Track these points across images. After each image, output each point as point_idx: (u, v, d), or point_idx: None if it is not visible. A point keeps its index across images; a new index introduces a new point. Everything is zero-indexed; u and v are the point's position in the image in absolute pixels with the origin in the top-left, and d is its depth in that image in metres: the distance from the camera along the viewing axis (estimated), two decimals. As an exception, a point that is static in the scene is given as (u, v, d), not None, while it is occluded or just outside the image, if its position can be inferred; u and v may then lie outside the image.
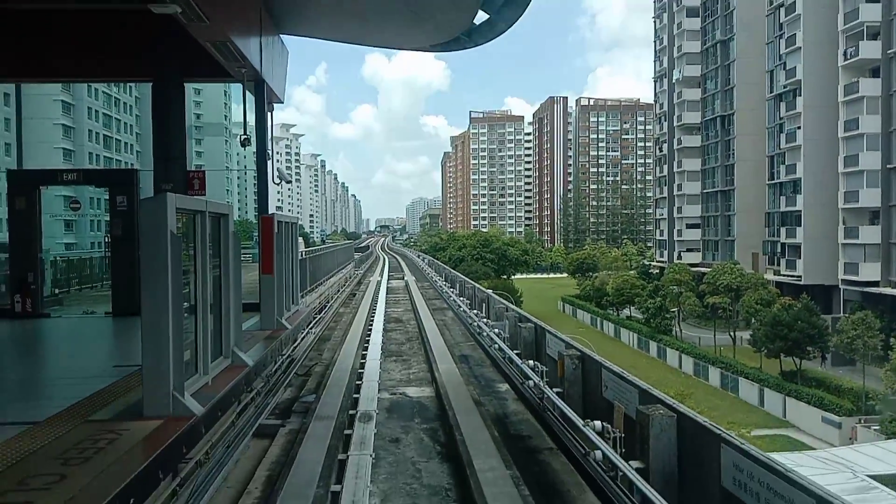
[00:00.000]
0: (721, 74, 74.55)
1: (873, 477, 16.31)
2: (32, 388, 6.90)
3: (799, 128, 59.04)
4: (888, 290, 49.37)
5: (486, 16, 11.45)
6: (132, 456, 4.45)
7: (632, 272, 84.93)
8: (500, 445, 7.75)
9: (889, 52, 50.01)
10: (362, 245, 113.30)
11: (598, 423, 7.29)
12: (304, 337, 14.47)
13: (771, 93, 64.99)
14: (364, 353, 14.10)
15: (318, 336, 16.48)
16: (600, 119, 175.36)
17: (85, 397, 5.92)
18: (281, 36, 13.42)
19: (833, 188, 54.65)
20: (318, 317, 18.56)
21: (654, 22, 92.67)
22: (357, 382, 11.08)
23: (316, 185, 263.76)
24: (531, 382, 9.85)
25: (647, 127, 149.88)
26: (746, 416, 41.99)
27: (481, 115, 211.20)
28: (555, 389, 9.24)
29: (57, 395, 6.26)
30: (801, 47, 58.47)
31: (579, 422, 7.52)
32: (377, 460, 7.49)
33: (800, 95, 59.02)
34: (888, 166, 50.07)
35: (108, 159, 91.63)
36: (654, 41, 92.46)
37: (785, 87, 61.25)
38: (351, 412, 9.10)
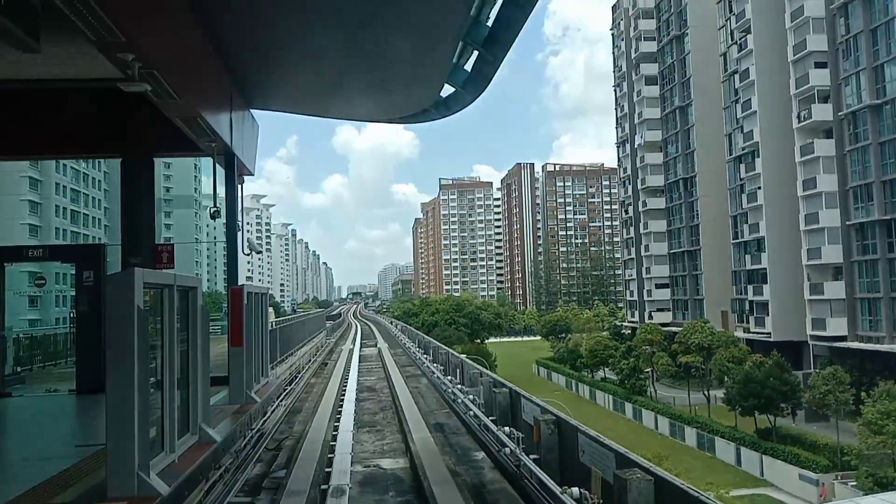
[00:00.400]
0: (681, 139, 76.86)
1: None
2: (-9, 472, 6.66)
3: (759, 188, 60.77)
4: (856, 345, 50.05)
5: (453, 89, 11.78)
6: (95, 541, 4.30)
7: (604, 333, 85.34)
8: (477, 516, 7.60)
9: (840, 114, 52.18)
10: (334, 313, 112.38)
11: (575, 490, 7.20)
12: (274, 409, 14.19)
13: (731, 155, 67.00)
14: (336, 424, 13.83)
15: (288, 408, 16.16)
16: (567, 184, 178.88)
17: (46, 479, 5.73)
18: (252, 111, 13.63)
19: (796, 245, 55.91)
20: (289, 388, 18.25)
21: (615, 90, 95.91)
22: (329, 455, 10.82)
23: (287, 255, 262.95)
24: (507, 449, 9.73)
25: (613, 190, 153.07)
26: (724, 476, 41.66)
27: (451, 182, 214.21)
28: (531, 456, 9.13)
29: (17, 477, 6.04)
30: (756, 111, 60.75)
31: (557, 489, 7.42)
32: (351, 536, 7.28)
33: (758, 157, 60.98)
34: (847, 223, 51.53)
35: (75, 234, 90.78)
36: (616, 108, 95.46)
37: (744, 149, 63.29)
38: (323, 486, 8.87)
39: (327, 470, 9.87)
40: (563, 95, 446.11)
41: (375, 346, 40.87)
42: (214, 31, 9.21)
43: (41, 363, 19.53)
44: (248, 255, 13.95)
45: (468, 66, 10.93)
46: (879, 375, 43.98)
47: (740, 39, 63.72)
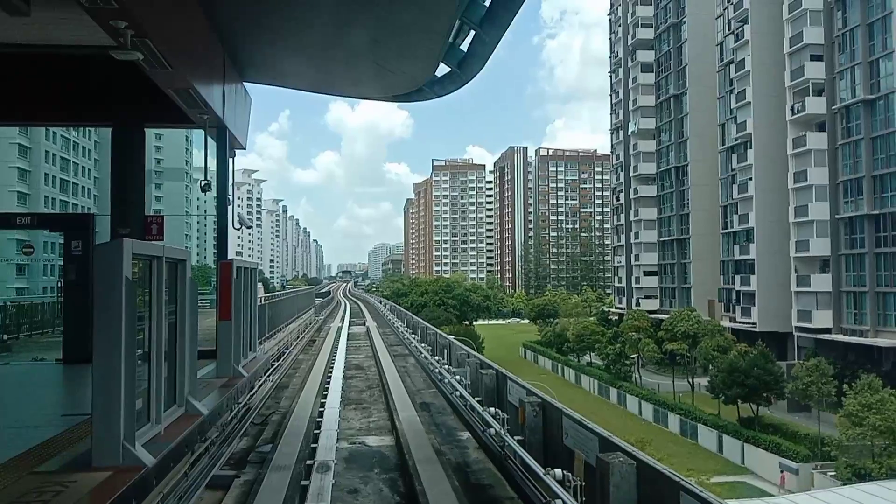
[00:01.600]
0: (675, 127, 76.92)
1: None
2: (-25, 438, 6.64)
3: (751, 179, 61.00)
4: (840, 338, 50.59)
5: (448, 69, 11.70)
6: (79, 509, 4.30)
7: (592, 318, 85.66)
8: (461, 495, 7.66)
9: (833, 107, 52.34)
10: (323, 290, 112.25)
11: (558, 472, 7.25)
12: (261, 384, 14.20)
13: (723, 145, 67.16)
14: (323, 400, 13.87)
15: (275, 384, 16.19)
16: (559, 169, 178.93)
17: (31, 447, 5.72)
18: (244, 83, 13.49)
19: (785, 237, 56.29)
20: (277, 364, 18.26)
21: (610, 76, 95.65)
22: (315, 431, 10.86)
23: (277, 231, 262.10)
24: (492, 430, 9.80)
25: (605, 177, 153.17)
26: (706, 463, 42.18)
27: (444, 163, 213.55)
28: (516, 437, 9.19)
29: (2, 445, 6.03)
30: (750, 102, 60.84)
31: (540, 470, 7.48)
32: (335, 512, 7.32)
33: (751, 148, 61.15)
34: (836, 217, 51.86)
35: (64, 203, 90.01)
36: (611, 95, 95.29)
37: (736, 139, 63.42)
38: (308, 462, 8.91)
39: (313, 446, 9.92)
40: (559, 79, 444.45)
41: (364, 324, 40.91)
42: (208, 0, 9.10)
43: (28, 332, 19.45)
44: (238, 229, 13.87)
45: (464, 46, 10.85)
46: (862, 368, 44.57)
47: (737, 29, 63.59)
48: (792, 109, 56.08)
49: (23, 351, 14.33)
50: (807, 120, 55.41)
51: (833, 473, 36.68)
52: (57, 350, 12.10)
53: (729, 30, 65.92)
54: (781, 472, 39.41)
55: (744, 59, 62.09)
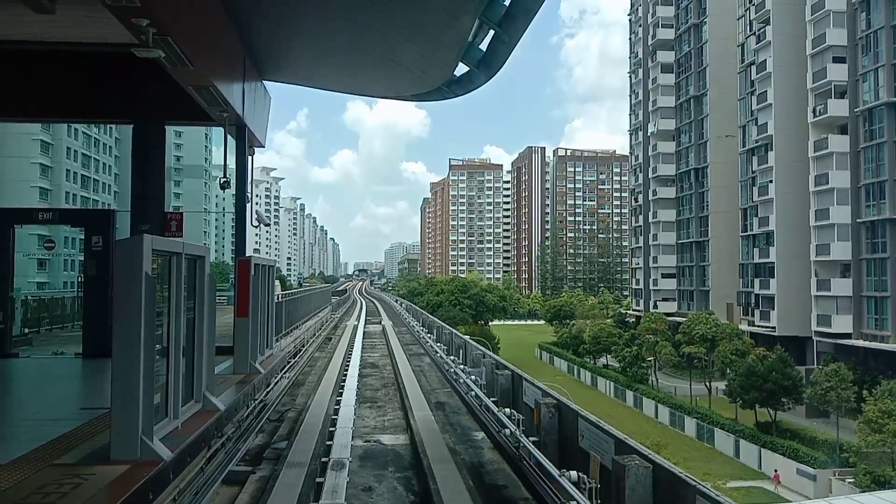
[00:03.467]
0: (695, 128, 76.30)
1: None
2: (-4, 430, 6.72)
3: (771, 181, 60.37)
4: (860, 343, 49.94)
5: (467, 68, 11.69)
6: (96, 502, 4.34)
7: (608, 320, 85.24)
8: (476, 495, 7.64)
9: (856, 110, 51.65)
10: (340, 289, 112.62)
11: (573, 474, 7.23)
12: (277, 381, 14.28)
13: (743, 147, 66.53)
14: (339, 398, 13.92)
15: (292, 381, 16.27)
16: (577, 169, 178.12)
17: (50, 440, 5.79)
18: (264, 82, 13.57)
19: (805, 241, 55.65)
20: (293, 361, 18.35)
21: (630, 77, 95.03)
22: (330, 429, 10.91)
23: (294, 229, 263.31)
24: (507, 431, 9.78)
25: (623, 178, 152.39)
26: (722, 468, 41.80)
27: (461, 163, 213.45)
28: (531, 438, 9.17)
29: (21, 437, 6.10)
30: (772, 104, 60.17)
31: (555, 472, 7.46)
32: (349, 509, 7.34)
33: (771, 150, 60.49)
34: (858, 220, 51.21)
35: (85, 199, 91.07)
36: (630, 95, 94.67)
37: (757, 141, 62.77)
38: (323, 459, 8.94)
39: (328, 443, 9.95)
40: (577, 79, 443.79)
41: (380, 323, 41.02)
42: (230, -1, 9.16)
43: (48, 326, 19.68)
44: (256, 227, 13.96)
45: (483, 46, 10.84)
46: (882, 374, 43.95)
47: (759, 31, 62.93)
48: (814, 112, 55.40)
49: (43, 345, 14.50)
50: (829, 122, 54.71)
51: (851, 480, 36.23)
52: (77, 344, 12.23)
53: (750, 31, 65.29)
54: (775, 470, 39.93)
55: (765, 60, 61.41)
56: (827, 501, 24.40)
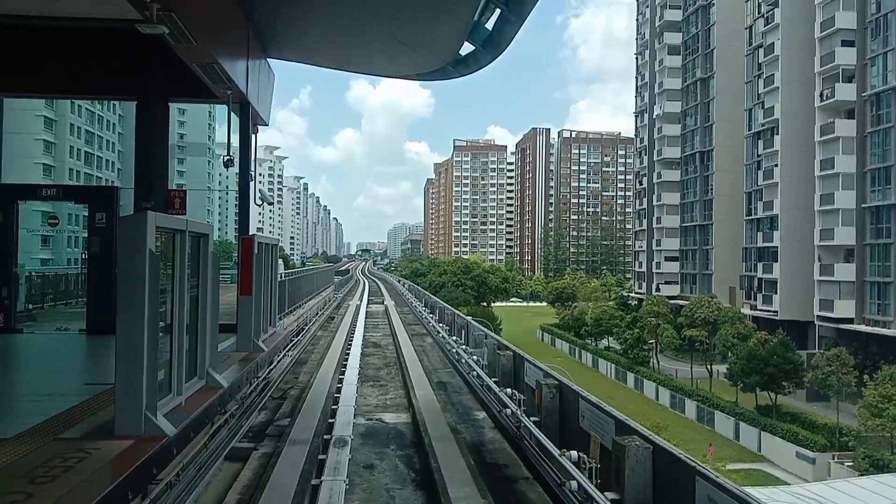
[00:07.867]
0: (701, 111, 75.84)
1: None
2: (1, 403, 6.78)
3: (776, 165, 60.05)
4: (862, 328, 49.98)
5: (472, 47, 11.59)
6: (101, 476, 4.38)
7: (610, 303, 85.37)
8: (476, 474, 7.69)
9: (864, 94, 51.26)
10: (343, 269, 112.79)
11: (574, 454, 7.26)
12: (280, 359, 14.34)
13: (749, 130, 66.17)
14: (341, 377, 13.98)
15: (294, 359, 16.34)
16: (582, 151, 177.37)
17: (55, 415, 5.83)
18: (268, 59, 13.48)
19: (809, 225, 55.48)
20: (296, 339, 18.42)
21: (636, 58, 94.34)
22: (333, 407, 10.96)
23: (298, 208, 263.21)
24: (508, 411, 9.82)
25: (628, 160, 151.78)
26: (722, 450, 42.08)
27: (465, 144, 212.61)
28: (532, 418, 9.20)
29: (26, 411, 6.15)
30: (779, 87, 59.71)
31: (556, 451, 7.49)
32: (351, 486, 7.39)
33: (777, 134, 60.12)
34: (863, 205, 51.02)
35: (88, 175, 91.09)
36: (636, 77, 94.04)
37: (763, 125, 62.39)
38: (326, 437, 9.00)
39: (330, 421, 10.01)
40: (582, 60, 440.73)
41: (382, 303, 41.07)
42: (235, -25, 9.08)
43: (52, 302, 19.78)
44: (259, 205, 13.94)
45: (489, 25, 10.74)
46: (884, 359, 44.02)
47: (767, 13, 62.29)
48: (821, 96, 55.00)
49: (47, 321, 14.57)
50: (836, 107, 54.31)
51: (850, 464, 36.45)
52: (80, 320, 12.29)
53: (758, 13, 64.69)
54: (710, 445, 40.99)
55: (773, 43, 60.82)
56: (826, 484, 24.54)
